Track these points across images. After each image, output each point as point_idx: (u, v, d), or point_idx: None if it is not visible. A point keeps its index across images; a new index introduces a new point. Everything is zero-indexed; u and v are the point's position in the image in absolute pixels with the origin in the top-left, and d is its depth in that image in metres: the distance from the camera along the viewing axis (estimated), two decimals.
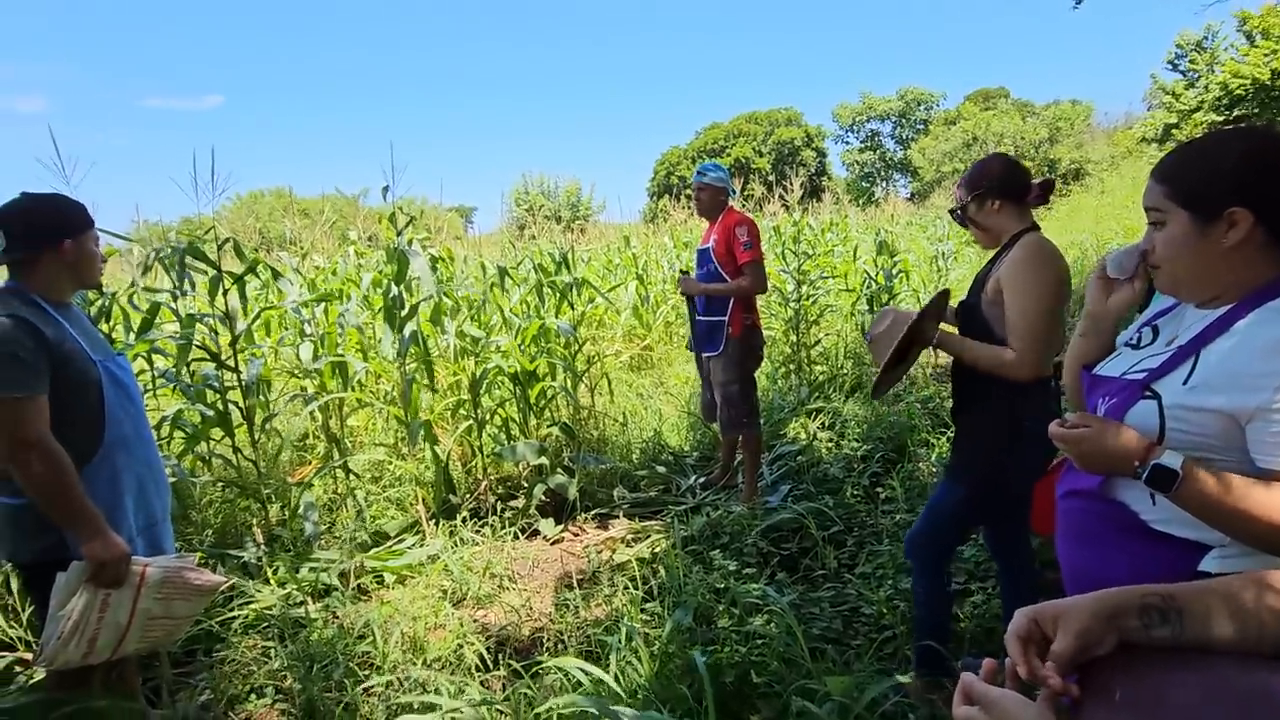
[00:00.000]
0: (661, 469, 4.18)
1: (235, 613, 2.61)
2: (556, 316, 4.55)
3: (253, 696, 2.23)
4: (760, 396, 5.15)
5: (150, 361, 3.61)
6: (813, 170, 40.65)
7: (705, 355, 3.78)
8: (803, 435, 4.43)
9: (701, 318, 3.75)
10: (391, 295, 3.62)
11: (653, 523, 3.57)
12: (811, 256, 6.23)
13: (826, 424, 4.53)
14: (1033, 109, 35.64)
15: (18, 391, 1.62)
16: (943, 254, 8.95)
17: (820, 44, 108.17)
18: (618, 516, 3.69)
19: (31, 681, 2.10)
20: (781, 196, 8.24)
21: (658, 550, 3.15)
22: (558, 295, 4.74)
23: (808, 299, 5.72)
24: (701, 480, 4.04)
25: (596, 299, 5.81)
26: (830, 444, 4.30)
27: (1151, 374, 1.05)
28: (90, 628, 1.69)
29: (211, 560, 2.94)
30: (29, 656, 2.34)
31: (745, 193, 9.96)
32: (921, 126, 44.55)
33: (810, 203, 11.18)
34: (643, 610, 2.57)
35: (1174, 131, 18.52)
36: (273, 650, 2.38)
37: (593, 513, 3.71)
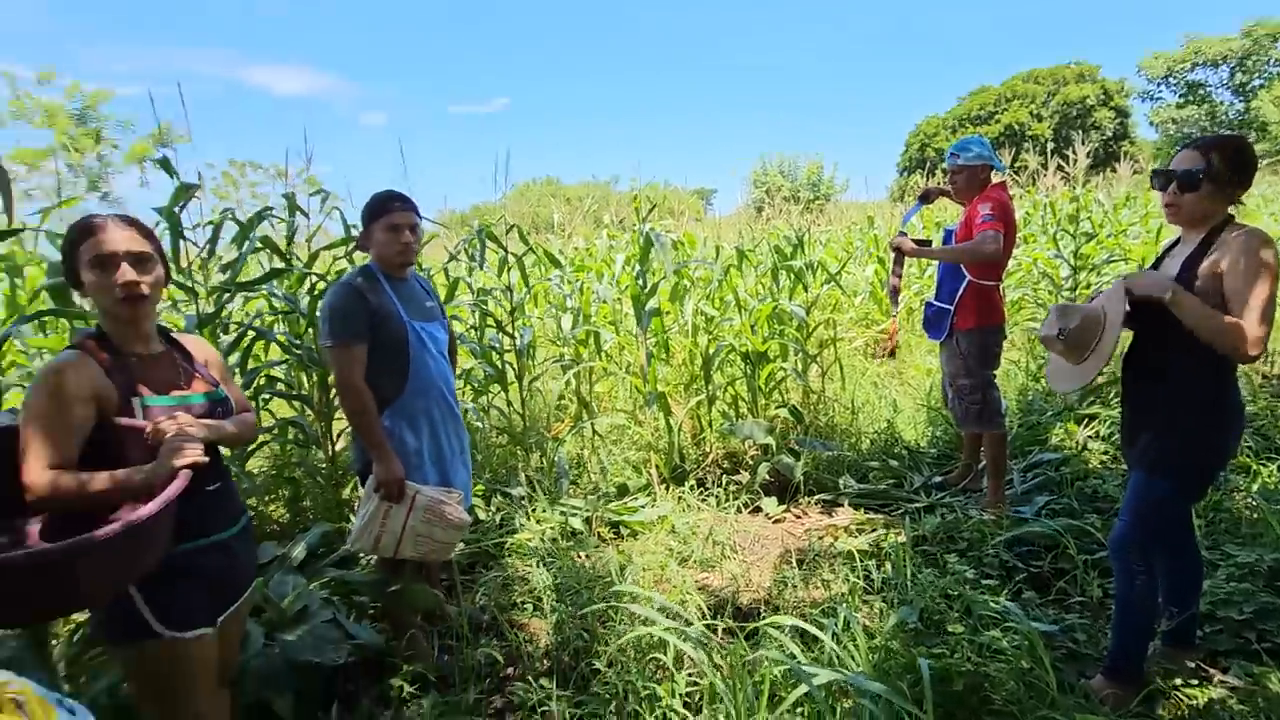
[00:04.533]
0: (893, 462, 4.00)
1: (506, 539, 3.13)
2: (790, 299, 4.55)
3: (516, 607, 2.67)
4: (1019, 395, 4.63)
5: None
6: (1109, 134, 34.15)
7: (932, 339, 3.60)
8: (1069, 443, 3.90)
9: (932, 302, 3.52)
10: (636, 274, 3.94)
11: (879, 516, 3.45)
12: (1095, 238, 5.34)
13: (1101, 433, 3.91)
14: None
15: (342, 341, 2.11)
16: None
17: None
18: (842, 505, 3.63)
19: (372, 565, 2.76)
20: (1060, 167, 7.13)
21: (884, 544, 3.05)
22: (792, 277, 4.72)
23: (1086, 286, 4.94)
24: (938, 479, 3.78)
25: (832, 282, 5.65)
26: (1104, 456, 3.72)
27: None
28: (374, 528, 2.18)
29: (489, 492, 3.54)
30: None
31: (1015, 165, 8.78)
32: (1278, 70, 34.73)
33: (1104, 173, 9.47)
34: (863, 601, 2.54)
35: None
36: (532, 574, 2.82)
37: (816, 498, 3.70)
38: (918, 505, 3.50)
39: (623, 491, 3.72)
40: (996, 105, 38.54)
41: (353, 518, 3.18)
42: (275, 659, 2.05)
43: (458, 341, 4.23)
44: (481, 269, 3.78)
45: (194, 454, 1.35)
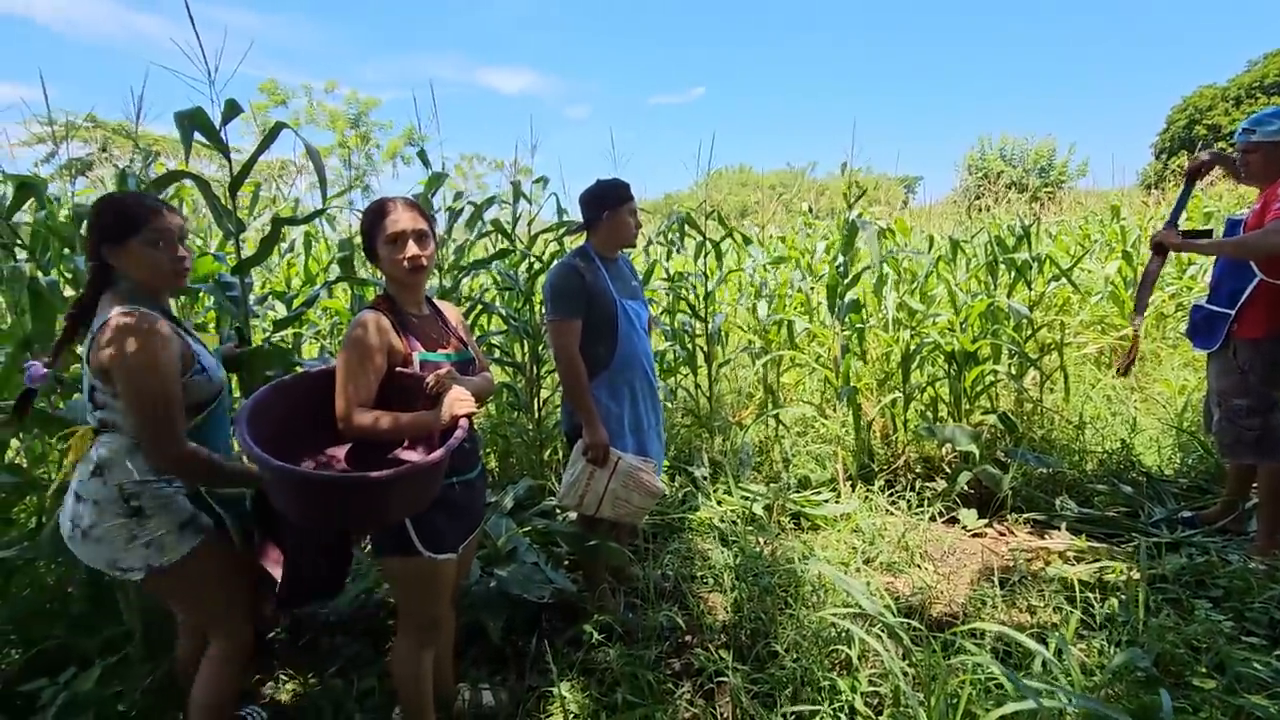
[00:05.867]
0: (1127, 488, 3.47)
1: (688, 515, 3.24)
2: (1009, 296, 4.11)
3: (697, 580, 2.77)
4: None
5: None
6: None
7: (1198, 349, 3.01)
8: None
9: (1203, 304, 2.95)
10: (837, 263, 3.81)
11: (1105, 545, 3.03)
12: None
13: None
14: None
15: (563, 316, 2.31)
16: None
17: None
18: (1058, 528, 3.24)
19: (569, 520, 3.02)
20: None
21: (1110, 577, 2.68)
22: (1013, 272, 4.26)
23: None
24: (1187, 514, 3.22)
25: (1061, 279, 5.00)
26: None
27: None
28: (580, 487, 2.37)
29: (673, 469, 3.68)
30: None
31: None
32: None
33: None
34: (1079, 635, 2.26)
35: None
36: (712, 552, 2.90)
37: (1025, 516, 3.34)
38: (1158, 540, 3.01)
39: (804, 484, 3.66)
40: None
41: (552, 477, 3.51)
42: (491, 589, 2.34)
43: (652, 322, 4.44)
44: (679, 254, 3.91)
45: (472, 405, 1.61)
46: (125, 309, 1.53)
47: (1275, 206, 2.58)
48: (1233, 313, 2.80)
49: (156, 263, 1.60)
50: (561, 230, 3.64)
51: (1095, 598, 2.44)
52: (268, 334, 2.63)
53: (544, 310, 2.44)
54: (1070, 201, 9.93)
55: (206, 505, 1.69)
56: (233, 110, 2.15)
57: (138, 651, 2.06)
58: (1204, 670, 2.00)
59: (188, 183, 3.59)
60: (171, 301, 2.21)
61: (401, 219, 1.69)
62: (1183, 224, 3.05)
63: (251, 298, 3.04)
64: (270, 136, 2.26)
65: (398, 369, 1.66)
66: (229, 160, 2.23)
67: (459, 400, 1.59)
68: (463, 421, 1.57)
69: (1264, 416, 2.79)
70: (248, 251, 2.42)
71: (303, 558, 1.67)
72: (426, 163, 3.38)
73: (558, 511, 3.17)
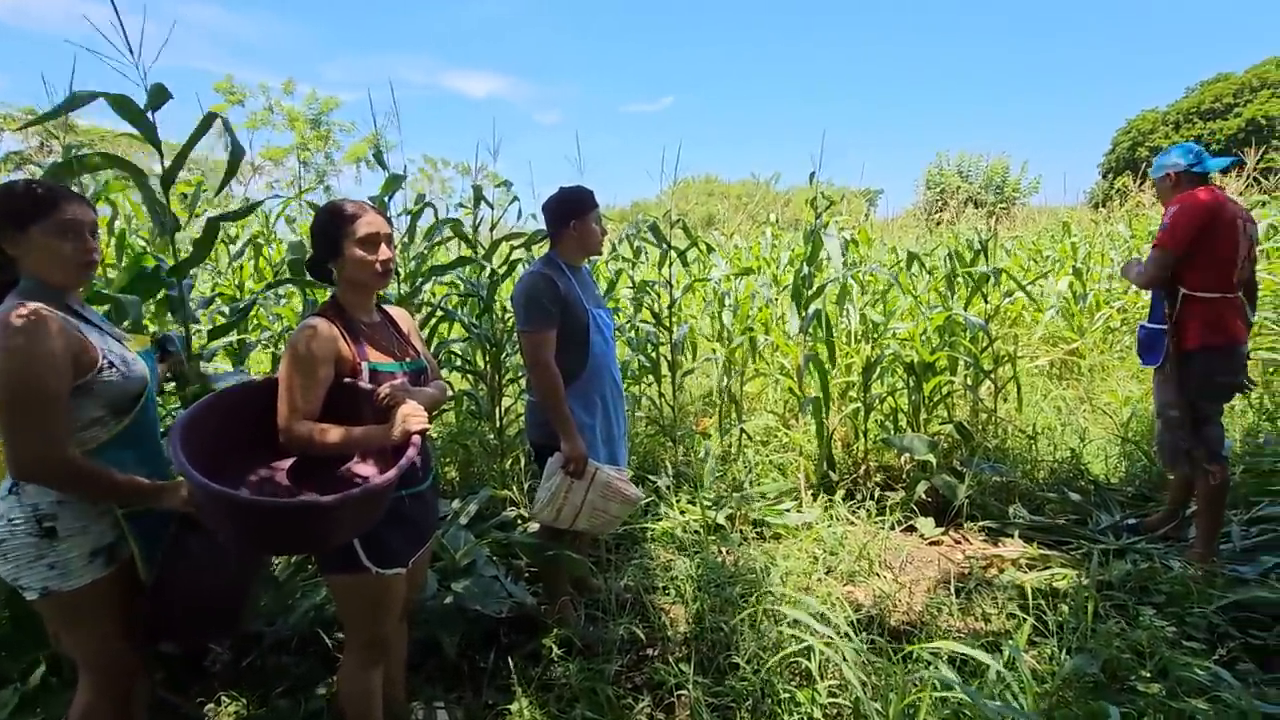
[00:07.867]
0: (1075, 496, 3.57)
1: (650, 525, 3.22)
2: (966, 309, 4.21)
3: (658, 591, 2.74)
4: (1247, 435, 3.98)
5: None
6: None
7: (1145, 365, 3.16)
8: None
9: (1144, 324, 3.10)
10: (802, 274, 3.85)
11: (1056, 553, 3.11)
12: None
13: None
14: None
15: (538, 327, 2.27)
16: None
17: None
18: (1011, 535, 3.31)
19: (529, 531, 2.96)
20: None
21: (1060, 584, 2.74)
22: (970, 286, 4.37)
23: None
24: (1131, 521, 3.33)
25: (1016, 293, 5.15)
26: None
27: None
28: (558, 501, 2.32)
29: (634, 479, 3.65)
30: (525, 514, 3.31)
31: (1261, 165, 7.42)
32: None
33: None
34: (1031, 643, 2.30)
35: None
36: (674, 562, 2.88)
37: (980, 524, 3.41)
38: (1104, 547, 3.10)
39: (765, 493, 3.67)
40: (1237, 97, 32.74)
41: (514, 487, 3.45)
42: (447, 603, 2.28)
43: (616, 331, 4.41)
44: (644, 262, 3.91)
45: (425, 421, 1.53)
46: (15, 304, 1.41)
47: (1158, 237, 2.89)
48: (1167, 327, 2.93)
49: (60, 254, 1.45)
50: (529, 238, 3.59)
51: (1046, 604, 2.50)
52: (204, 344, 2.50)
53: (516, 322, 2.38)
54: (1023, 217, 10.28)
55: (124, 536, 1.54)
56: (160, 95, 2.03)
57: (65, 676, 1.94)
58: (1148, 675, 2.06)
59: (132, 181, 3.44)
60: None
61: (375, 221, 1.64)
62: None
63: (196, 299, 2.92)
64: (203, 127, 2.14)
65: (346, 380, 1.59)
66: (160, 152, 2.11)
67: (411, 416, 1.51)
68: (415, 439, 1.50)
69: (1190, 426, 2.90)
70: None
71: (192, 598, 1.58)
72: (383, 164, 3.30)
73: (519, 522, 3.12)
